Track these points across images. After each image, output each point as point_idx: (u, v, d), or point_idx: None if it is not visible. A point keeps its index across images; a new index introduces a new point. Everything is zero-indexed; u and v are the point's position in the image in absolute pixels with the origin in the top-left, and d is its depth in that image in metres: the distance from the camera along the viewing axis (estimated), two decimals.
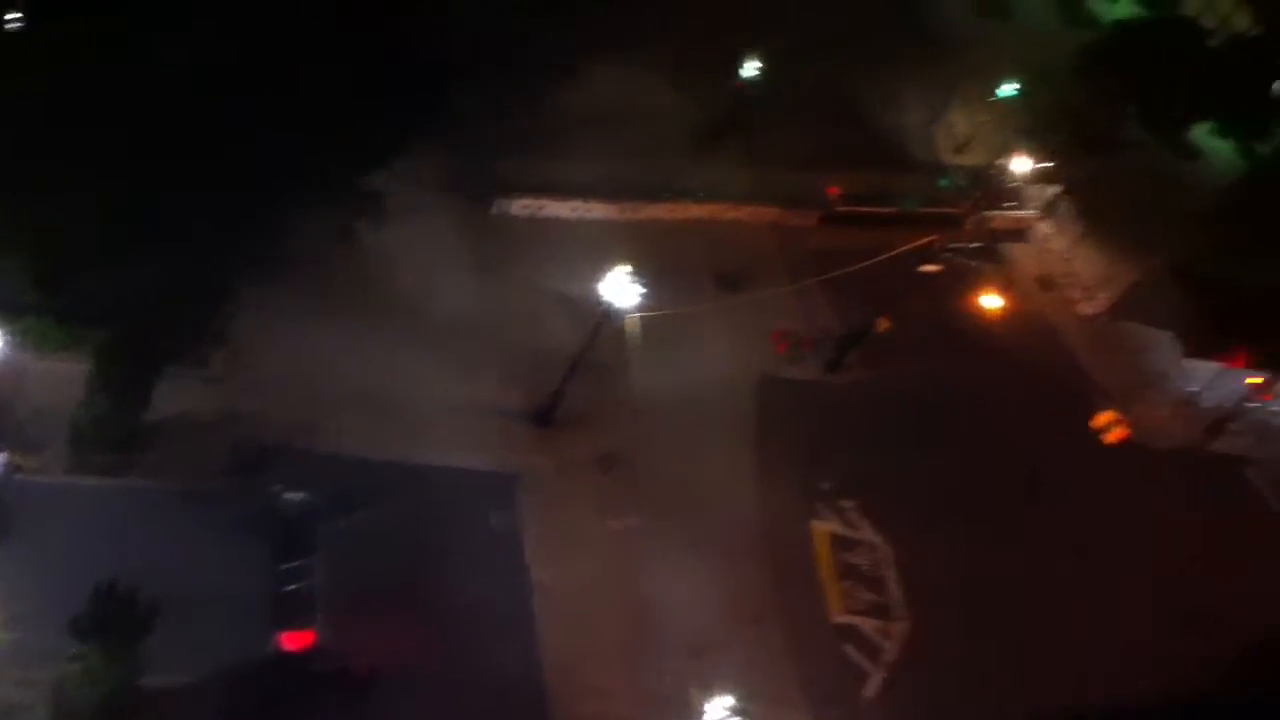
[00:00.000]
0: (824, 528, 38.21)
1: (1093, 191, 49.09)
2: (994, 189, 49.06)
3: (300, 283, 35.02)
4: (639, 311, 35.10)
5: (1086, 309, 47.02)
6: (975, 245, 48.14)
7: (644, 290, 33.31)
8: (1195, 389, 44.77)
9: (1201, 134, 55.14)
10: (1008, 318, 44.95)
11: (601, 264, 34.04)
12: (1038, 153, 48.58)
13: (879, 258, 42.67)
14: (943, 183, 49.37)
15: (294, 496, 31.72)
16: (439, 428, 35.35)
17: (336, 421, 33.96)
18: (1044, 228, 49.41)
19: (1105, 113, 51.74)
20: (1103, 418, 42.43)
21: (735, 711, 29.14)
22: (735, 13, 46.74)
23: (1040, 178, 48.98)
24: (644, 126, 43.56)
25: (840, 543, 38.03)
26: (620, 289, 33.15)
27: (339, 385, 34.81)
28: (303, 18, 33.44)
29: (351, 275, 36.77)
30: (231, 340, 34.01)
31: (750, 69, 44.92)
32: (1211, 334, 42.99)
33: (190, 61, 31.56)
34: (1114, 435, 42.08)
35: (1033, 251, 49.06)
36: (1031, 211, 49.63)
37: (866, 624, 36.49)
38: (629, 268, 33.33)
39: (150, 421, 31.19)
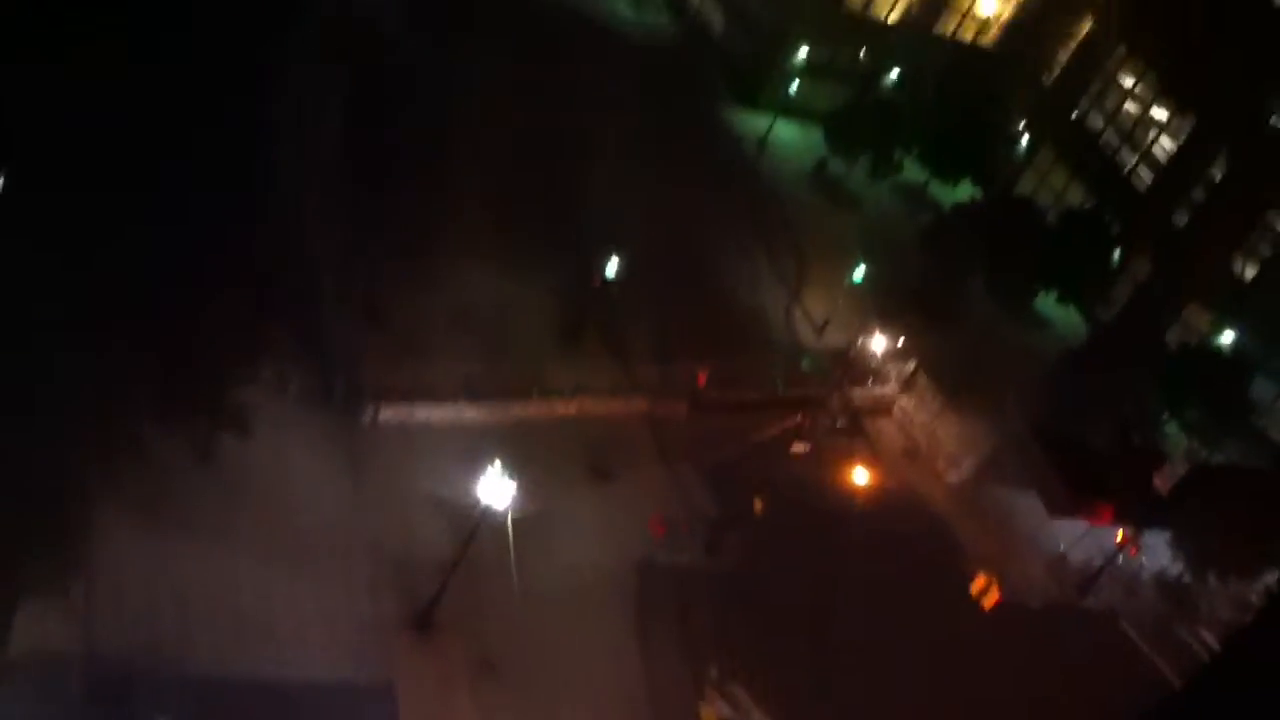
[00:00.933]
0: (712, 713, 37.92)
1: (947, 364, 50.99)
2: (855, 368, 50.63)
3: (162, 501, 34.43)
4: (515, 509, 35.27)
5: (953, 477, 48.24)
6: (841, 424, 49.37)
7: (520, 487, 33.62)
8: (1063, 547, 46.02)
9: (1046, 303, 57.81)
10: (879, 491, 45.96)
11: (476, 465, 34.22)
12: (893, 330, 50.52)
13: (747, 442, 43.64)
14: (805, 364, 50.79)
15: None
16: (312, 642, 34.54)
17: (205, 643, 33.07)
18: (905, 402, 50.90)
19: (951, 288, 54.08)
20: (979, 582, 43.16)
21: None
22: (589, 210, 48.48)
23: (897, 354, 50.73)
24: (508, 327, 44.28)
25: None
26: (495, 488, 33.38)
27: (206, 605, 33.92)
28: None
29: (217, 492, 36.19)
30: (90, 566, 33.18)
31: (611, 266, 46.22)
32: (1073, 493, 44.51)
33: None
34: (990, 599, 42.75)
35: (896, 425, 50.44)
36: (892, 387, 51.17)
37: None
38: (503, 467, 33.62)
39: (6, 658, 30.13)
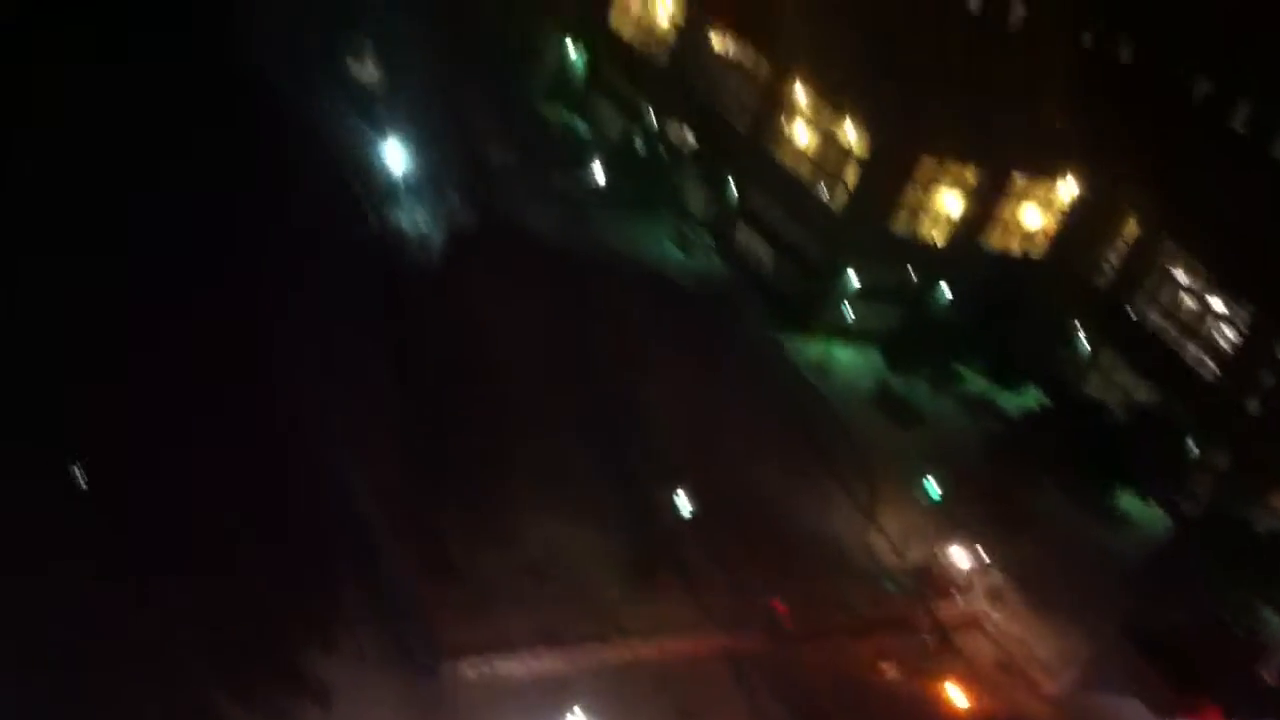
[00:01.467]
0: None
1: (1033, 571, 49.91)
2: (939, 584, 49.63)
3: None
4: None
5: (1050, 688, 46.54)
6: (930, 642, 48.12)
7: None
8: None
9: (1126, 500, 56.76)
10: (977, 710, 44.49)
11: (559, 715, 33.78)
12: (973, 542, 49.75)
13: (833, 670, 42.59)
14: (887, 584, 49.88)
15: None
16: None
17: None
18: (994, 614, 49.60)
19: (1028, 494, 53.40)
20: None
21: None
22: (651, 445, 48.89)
23: (980, 566, 49.78)
24: (580, 569, 44.17)
25: None
26: None
27: None
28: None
29: None
30: None
31: (678, 500, 46.25)
32: (1176, 693, 42.72)
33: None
34: None
35: (987, 638, 49.01)
36: (979, 600, 49.97)
37: None
38: (585, 715, 33.21)
39: None
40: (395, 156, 58.83)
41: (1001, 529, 52.20)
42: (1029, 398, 62.23)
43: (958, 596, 49.42)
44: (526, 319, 51.88)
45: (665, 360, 55.28)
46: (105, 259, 40.94)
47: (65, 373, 36.31)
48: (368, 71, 65.28)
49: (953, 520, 51.70)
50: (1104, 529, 55.96)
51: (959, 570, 49.39)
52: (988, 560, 49.86)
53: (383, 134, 59.77)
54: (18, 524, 31.98)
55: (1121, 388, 64.01)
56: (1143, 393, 62.77)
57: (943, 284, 65.22)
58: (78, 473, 33.38)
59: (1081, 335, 65.74)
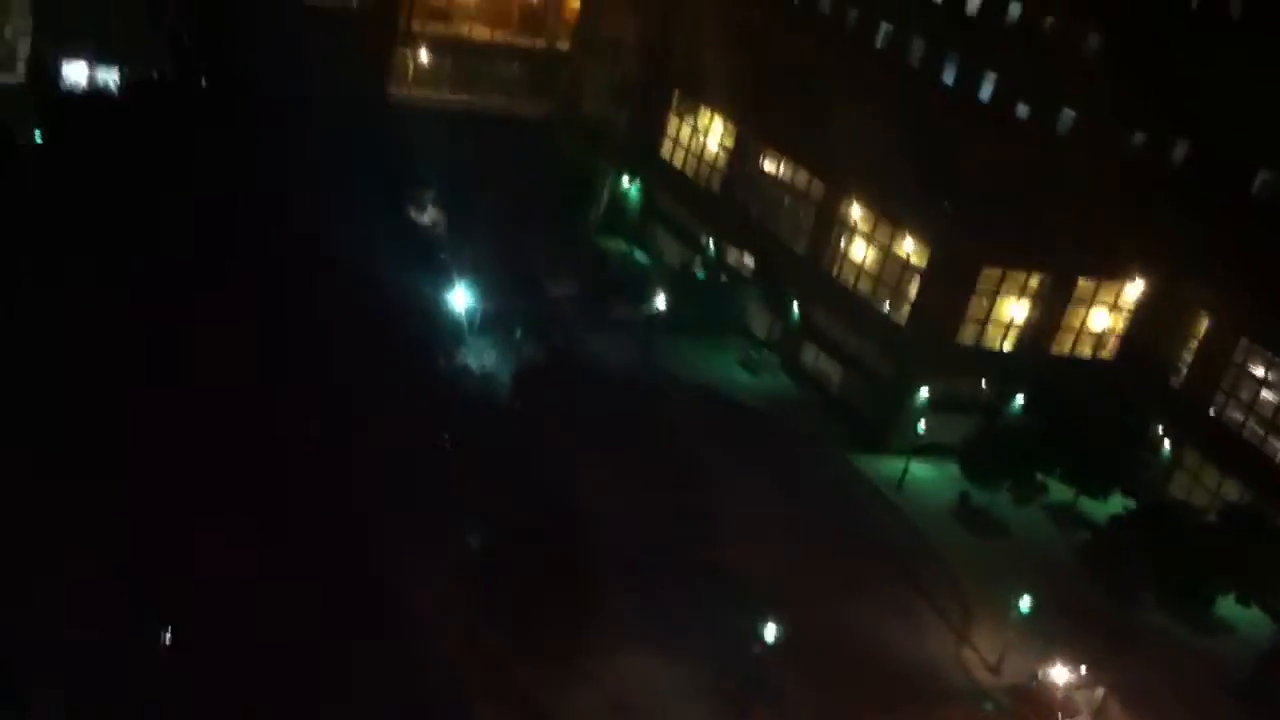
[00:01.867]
0: None
1: (1136, 685, 48.35)
2: (1040, 704, 48.14)
3: None
4: None
5: None
6: None
7: None
8: None
9: (1226, 606, 55.11)
10: None
11: None
12: (1072, 658, 48.36)
13: None
14: (988, 706, 48.45)
15: None
16: None
17: None
18: None
19: (1123, 604, 52.01)
20: None
21: None
22: (732, 573, 48.20)
23: (1081, 683, 48.29)
24: (671, 708, 43.23)
25: None
26: None
27: None
28: None
29: None
30: None
31: (766, 629, 45.34)
32: None
33: None
34: None
35: None
36: (1084, 719, 48.41)
37: None
38: None
39: None
40: (460, 298, 59.34)
41: (1100, 643, 50.75)
42: (1114, 504, 60.93)
43: (1062, 717, 47.85)
44: (600, 451, 51.67)
45: (742, 486, 54.84)
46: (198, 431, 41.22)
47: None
48: (429, 218, 66.32)
49: (1049, 635, 50.29)
50: (1206, 637, 54.27)
51: (1060, 688, 47.91)
52: (1089, 676, 48.36)
53: (447, 277, 60.38)
54: None
55: (1209, 488, 62.65)
56: (1232, 492, 61.39)
57: (1015, 393, 64.52)
58: None
59: (1162, 437, 64.60)
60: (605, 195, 79.64)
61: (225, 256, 43.22)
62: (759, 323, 71.92)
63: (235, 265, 42.93)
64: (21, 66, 61.51)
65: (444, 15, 74.32)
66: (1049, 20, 67.24)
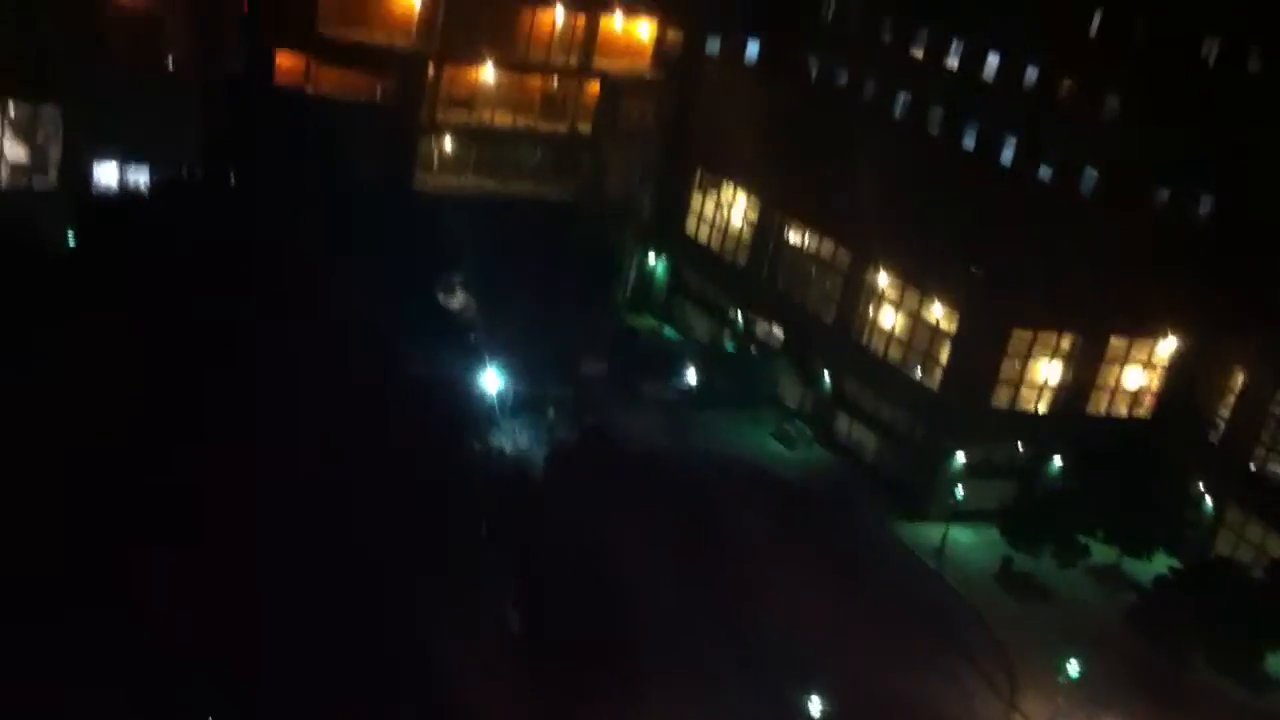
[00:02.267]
0: None
1: None
2: None
3: None
4: None
5: None
6: None
7: None
8: None
9: (1275, 660, 54.24)
10: None
11: None
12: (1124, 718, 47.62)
13: None
14: None
15: None
16: None
17: None
18: None
19: (1173, 665, 51.23)
20: None
21: None
22: (775, 646, 47.71)
23: None
24: None
25: None
26: None
27: None
28: None
29: None
30: None
31: (812, 706, 44.80)
32: None
33: None
34: None
35: None
36: None
37: None
38: None
39: None
40: (492, 381, 59.59)
41: (1151, 705, 50.00)
42: (1159, 564, 60.19)
43: None
44: (637, 529, 51.44)
45: (783, 558, 54.43)
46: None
47: None
48: (459, 302, 66.85)
49: (1098, 700, 49.58)
50: (1259, 695, 53.28)
51: None
52: None
53: (478, 360, 60.70)
54: None
55: (1253, 544, 61.82)
56: (1277, 547, 60.53)
57: (1053, 455, 64.09)
58: None
59: (1203, 494, 63.90)
60: (632, 273, 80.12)
61: (257, 346, 43.66)
62: (791, 394, 71.85)
63: (267, 354, 43.34)
64: (54, 171, 62.45)
65: (466, 103, 75.19)
66: (1066, 83, 67.65)
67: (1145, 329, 65.21)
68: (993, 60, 70.49)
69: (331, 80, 70.81)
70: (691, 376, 70.78)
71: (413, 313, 59.65)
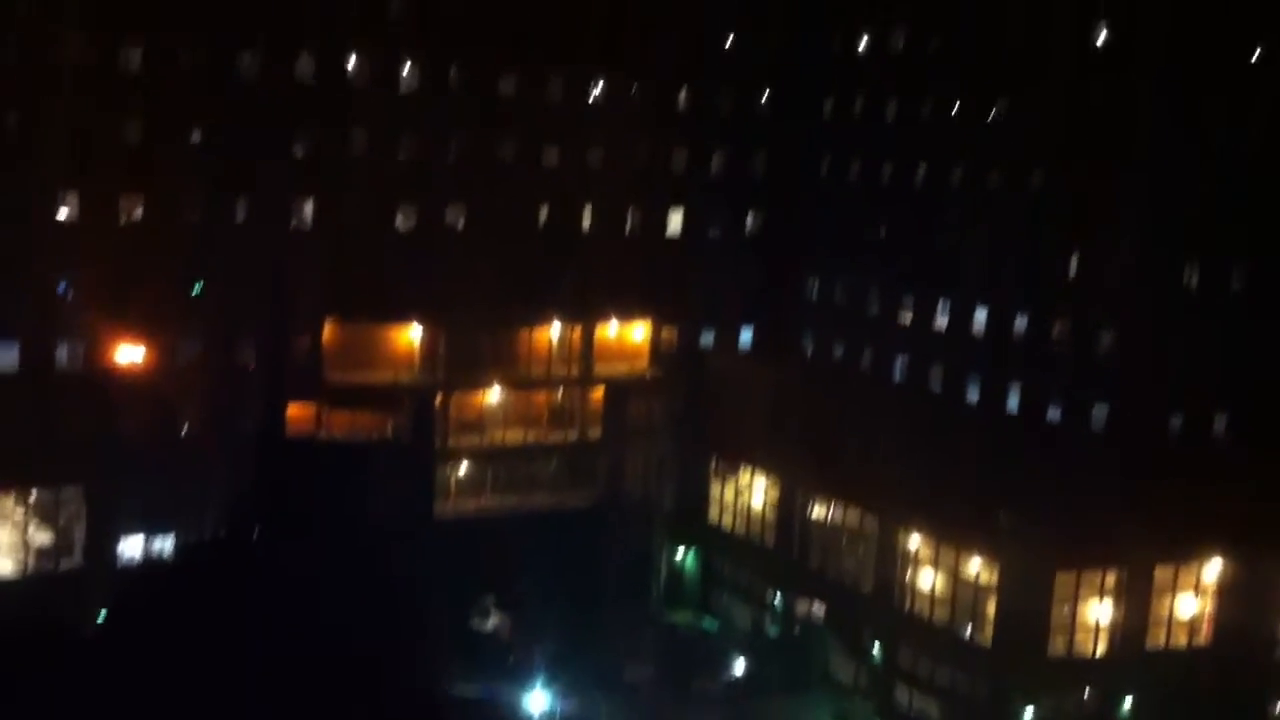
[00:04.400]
0: None
1: None
2: None
3: None
4: None
5: None
6: None
7: None
8: None
9: None
10: None
11: None
12: None
13: None
14: None
15: None
16: None
17: None
18: None
19: None
20: None
21: None
22: None
23: None
24: None
25: None
26: None
27: None
28: None
29: None
30: None
31: None
32: None
33: None
34: None
35: None
36: None
37: None
38: None
39: None
40: (538, 701, 58.34)
41: None
42: None
43: None
44: None
45: None
46: None
47: None
48: (494, 624, 66.13)
49: None
50: None
51: None
52: None
53: (521, 681, 59.62)
54: None
55: None
56: None
57: (1121, 697, 62.00)
58: None
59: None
60: (663, 570, 79.37)
61: (298, 696, 43.02)
62: (844, 671, 69.92)
63: (308, 701, 42.69)
64: (79, 551, 62.85)
65: (475, 426, 76.42)
66: (1057, 327, 68.96)
67: (1187, 553, 64.14)
68: (980, 315, 72.28)
69: (343, 423, 72.12)
70: (739, 667, 69.19)
71: (448, 640, 58.98)
